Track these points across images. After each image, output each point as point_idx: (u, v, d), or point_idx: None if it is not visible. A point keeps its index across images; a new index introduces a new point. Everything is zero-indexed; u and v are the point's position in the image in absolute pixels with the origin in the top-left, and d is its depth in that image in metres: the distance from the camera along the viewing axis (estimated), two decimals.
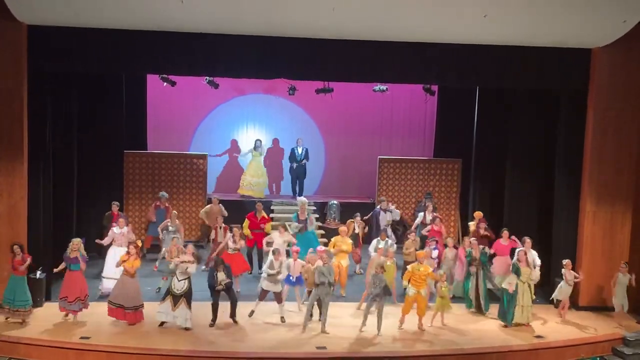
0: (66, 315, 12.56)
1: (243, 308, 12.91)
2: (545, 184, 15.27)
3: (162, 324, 12.35)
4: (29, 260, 12.34)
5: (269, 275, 12.73)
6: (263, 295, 12.90)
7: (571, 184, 14.38)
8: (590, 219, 14.05)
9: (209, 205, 16.80)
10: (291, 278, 13.13)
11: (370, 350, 11.54)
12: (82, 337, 11.56)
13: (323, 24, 12.71)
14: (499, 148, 16.72)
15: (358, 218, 15.98)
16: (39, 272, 12.97)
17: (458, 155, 19.07)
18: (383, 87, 18.59)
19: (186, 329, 12.15)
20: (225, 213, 16.20)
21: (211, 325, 12.44)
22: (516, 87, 14.81)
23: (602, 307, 13.94)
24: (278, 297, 12.85)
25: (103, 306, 12.94)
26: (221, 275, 12.47)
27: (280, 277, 12.75)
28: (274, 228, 15.29)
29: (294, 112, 20.49)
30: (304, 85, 18.15)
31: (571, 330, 12.94)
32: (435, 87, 19.12)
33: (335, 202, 17.82)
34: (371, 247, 14.33)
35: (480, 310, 13.70)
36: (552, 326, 13.11)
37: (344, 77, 14.49)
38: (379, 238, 14.48)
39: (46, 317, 12.61)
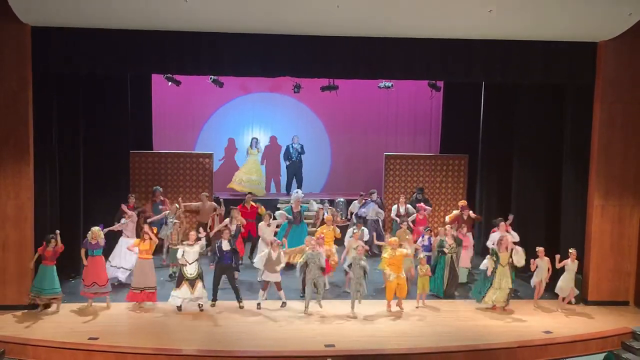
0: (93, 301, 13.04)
1: (246, 304, 13.39)
2: (552, 178, 15.22)
3: (179, 308, 12.97)
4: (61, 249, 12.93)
5: (266, 265, 13.27)
6: (265, 286, 13.35)
7: (579, 177, 14.34)
8: (598, 213, 13.99)
9: (199, 203, 16.86)
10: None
11: (377, 348, 11.51)
12: (90, 338, 11.56)
13: (327, 21, 12.69)
14: (506, 143, 16.70)
15: (327, 204, 16.47)
16: None
17: (464, 150, 19.05)
18: (388, 83, 18.57)
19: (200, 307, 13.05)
20: (218, 206, 16.49)
21: (212, 306, 13.23)
22: (522, 82, 14.75)
23: (610, 302, 13.90)
24: (278, 286, 13.37)
25: (112, 305, 13.17)
26: (225, 244, 13.17)
27: (280, 267, 13.28)
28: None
29: (299, 110, 20.52)
30: (309, 83, 18.13)
31: (580, 325, 12.89)
32: (440, 83, 19.11)
33: (341, 199, 17.85)
34: (347, 235, 14.92)
35: (452, 295, 14.16)
36: (561, 321, 13.07)
37: (349, 74, 14.44)
38: (354, 227, 14.80)
39: (55, 317, 12.66)
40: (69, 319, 12.56)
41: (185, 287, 12.89)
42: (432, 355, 11.43)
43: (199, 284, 12.93)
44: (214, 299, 13.31)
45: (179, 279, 13.05)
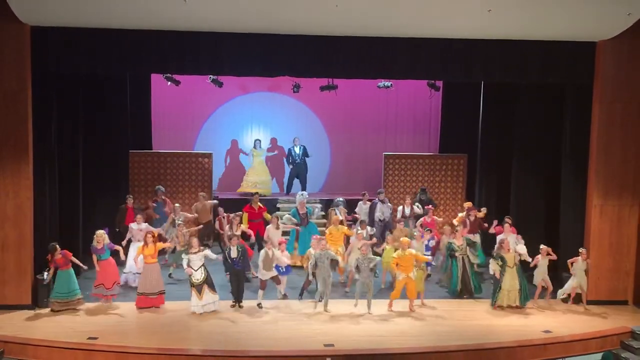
0: (106, 301, 13.23)
1: (244, 303, 13.42)
2: (551, 178, 15.23)
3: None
4: (71, 257, 13.00)
5: (263, 267, 13.35)
6: (263, 285, 13.40)
7: (578, 177, 14.35)
8: (597, 212, 14.00)
9: (197, 203, 16.82)
10: (280, 268, 13.67)
11: (377, 347, 11.50)
12: (90, 338, 11.56)
13: (326, 20, 12.68)
14: (505, 142, 16.73)
15: (341, 206, 16.42)
16: (45, 274, 12.97)
17: (464, 150, 19.05)
18: (387, 83, 18.60)
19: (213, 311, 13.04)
20: (216, 202, 16.45)
21: (232, 307, 13.29)
22: (521, 82, 14.75)
23: (609, 301, 13.91)
24: (276, 280, 13.50)
25: (112, 306, 13.21)
26: (234, 252, 13.14)
27: (278, 262, 13.45)
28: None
29: (298, 109, 20.52)
30: (308, 82, 18.13)
31: (579, 325, 12.88)
32: (439, 83, 19.12)
33: (341, 199, 17.83)
34: (352, 236, 14.94)
35: (471, 295, 14.15)
36: (561, 320, 13.07)
37: (348, 73, 14.43)
38: (359, 227, 14.91)
39: (55, 317, 12.66)
40: (69, 319, 12.56)
41: (194, 294, 12.92)
42: (432, 354, 11.43)
43: (206, 289, 12.91)
44: (239, 300, 13.34)
45: (190, 286, 13.04)
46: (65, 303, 12.84)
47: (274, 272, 13.43)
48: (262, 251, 13.46)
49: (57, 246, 12.84)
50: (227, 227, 14.95)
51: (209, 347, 11.34)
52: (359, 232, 14.44)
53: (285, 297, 13.61)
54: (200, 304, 12.87)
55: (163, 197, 16.64)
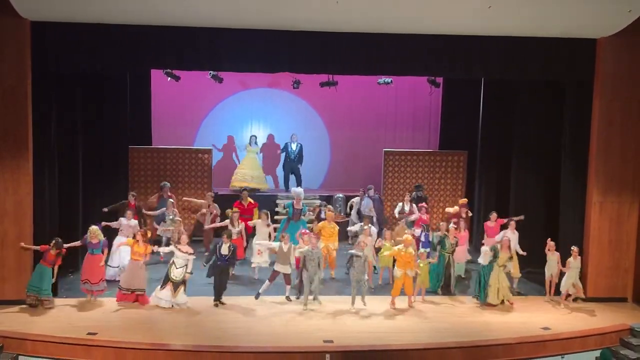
0: (92, 297, 13.15)
1: (242, 299, 13.44)
2: (551, 176, 15.22)
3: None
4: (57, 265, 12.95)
5: (277, 256, 13.40)
6: (274, 277, 13.39)
7: (577, 175, 14.34)
8: (596, 210, 14.00)
9: (203, 201, 16.69)
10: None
11: (376, 344, 11.52)
12: (89, 333, 11.56)
13: (327, 16, 12.67)
14: (505, 140, 16.68)
15: (329, 206, 16.49)
16: None
17: (464, 147, 19.03)
18: (388, 79, 18.56)
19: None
20: (216, 206, 16.37)
21: (216, 305, 13.07)
22: (521, 79, 14.73)
23: (608, 298, 13.93)
24: (287, 279, 13.41)
25: (110, 301, 13.16)
26: (224, 249, 13.05)
27: (292, 258, 13.39)
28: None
29: (298, 105, 20.51)
30: (308, 78, 18.10)
31: (578, 322, 12.89)
32: (440, 79, 19.09)
33: (340, 195, 17.86)
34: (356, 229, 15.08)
35: (448, 292, 14.15)
36: (559, 317, 13.08)
37: (349, 70, 14.44)
38: (362, 223, 14.99)
39: (53, 313, 12.65)
40: (66, 314, 12.57)
41: (168, 289, 12.87)
42: (430, 351, 11.44)
43: (181, 289, 12.88)
44: (219, 299, 13.17)
45: (164, 280, 13.00)
46: (35, 298, 12.74)
47: (289, 270, 13.40)
48: (278, 244, 13.46)
49: (63, 246, 12.81)
50: (227, 221, 14.92)
51: (207, 343, 11.34)
52: (364, 228, 14.40)
53: (288, 299, 13.49)
54: (172, 300, 12.83)
55: (169, 194, 16.64)
